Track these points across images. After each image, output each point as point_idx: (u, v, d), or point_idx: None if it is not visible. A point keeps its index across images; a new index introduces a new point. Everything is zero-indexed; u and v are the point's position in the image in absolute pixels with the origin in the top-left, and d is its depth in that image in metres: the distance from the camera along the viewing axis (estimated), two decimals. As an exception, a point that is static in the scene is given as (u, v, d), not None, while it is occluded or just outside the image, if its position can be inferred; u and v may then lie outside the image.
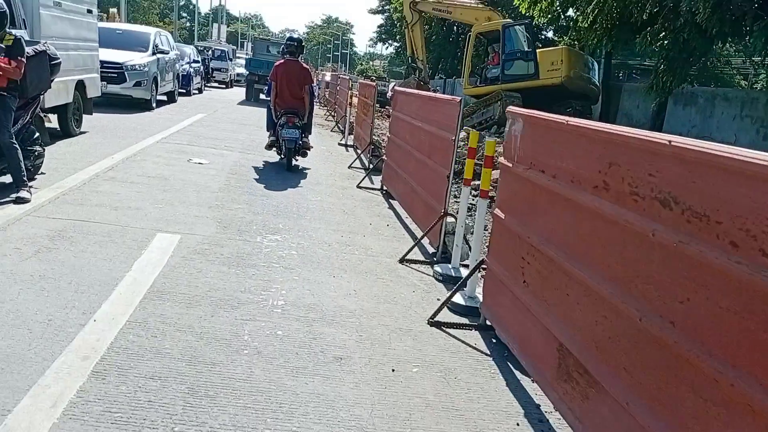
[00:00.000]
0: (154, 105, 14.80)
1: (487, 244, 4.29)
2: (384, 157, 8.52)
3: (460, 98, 4.97)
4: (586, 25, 13.57)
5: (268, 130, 9.46)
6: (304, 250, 5.00)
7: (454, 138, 4.93)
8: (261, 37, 41.94)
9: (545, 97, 17.56)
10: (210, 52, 28.49)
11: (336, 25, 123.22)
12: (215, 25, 66.48)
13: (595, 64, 18.36)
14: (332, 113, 19.77)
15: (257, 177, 7.96)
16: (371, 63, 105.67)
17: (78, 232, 4.67)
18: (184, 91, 20.14)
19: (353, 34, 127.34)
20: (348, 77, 17.99)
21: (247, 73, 23.05)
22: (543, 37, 28.02)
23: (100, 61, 13.50)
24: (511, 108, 3.55)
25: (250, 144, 10.85)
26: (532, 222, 3.13)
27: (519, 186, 3.35)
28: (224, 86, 30.64)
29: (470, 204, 5.31)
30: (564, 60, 16.92)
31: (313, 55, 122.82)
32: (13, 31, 5.78)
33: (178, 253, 4.45)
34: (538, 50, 17.62)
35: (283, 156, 9.07)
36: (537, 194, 3.12)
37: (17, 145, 5.62)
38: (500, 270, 3.48)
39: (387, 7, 52.59)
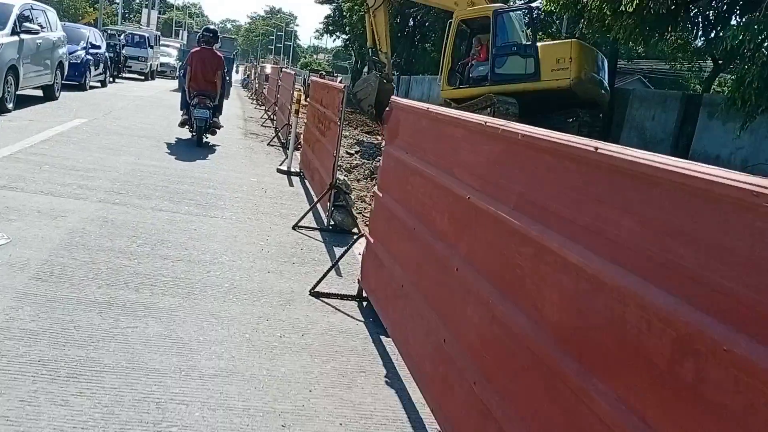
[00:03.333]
0: (10, 105, 10.16)
1: None
2: (366, 233, 4.40)
3: None
4: (631, 9, 9.73)
5: (181, 110, 10.27)
6: None
7: None
8: (195, 30, 39.35)
9: (546, 104, 13.80)
10: (122, 36, 23.46)
11: (279, 17, 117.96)
12: (144, 11, 60.38)
13: (605, 62, 14.67)
14: (271, 116, 15.44)
15: (105, 277, 3.69)
16: (315, 57, 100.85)
17: None
18: (77, 83, 15.40)
19: (297, 25, 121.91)
20: (293, 71, 13.76)
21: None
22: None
23: None
24: None
25: (127, 179, 6.50)
26: None
27: None
28: (143, 78, 25.69)
29: None
30: (574, 57, 13.12)
31: (254, 47, 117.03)
32: None
33: None
34: (539, 44, 13.78)
35: (194, 134, 9.84)
36: None
37: None
38: None
39: (336, -5, 48.12)
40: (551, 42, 14.33)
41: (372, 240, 3.99)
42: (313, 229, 5.86)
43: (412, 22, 40.08)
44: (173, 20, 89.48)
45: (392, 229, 3.64)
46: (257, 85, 24.46)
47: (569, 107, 13.96)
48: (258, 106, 20.59)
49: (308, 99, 10.44)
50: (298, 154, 9.37)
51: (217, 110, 10.16)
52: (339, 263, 4.65)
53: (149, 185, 6.41)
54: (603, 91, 14.25)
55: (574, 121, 13.92)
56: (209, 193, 6.57)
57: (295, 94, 9.96)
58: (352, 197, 6.35)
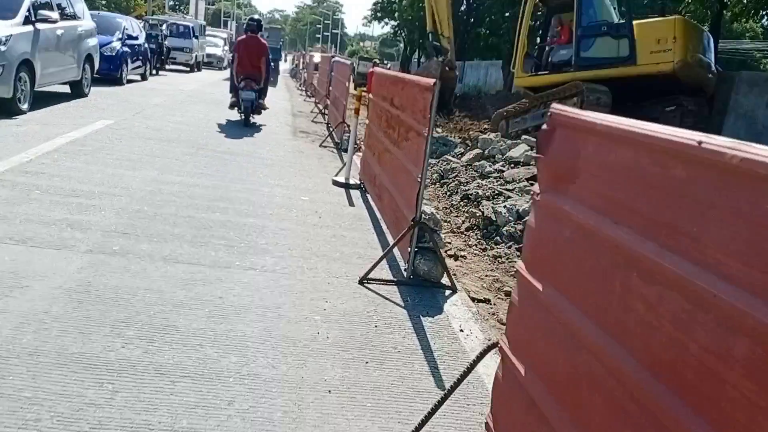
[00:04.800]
0: (24, 106, 8.78)
1: None
2: (502, 341, 2.70)
3: None
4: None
5: (230, 92, 11.36)
6: None
7: None
8: (242, 21, 38.77)
9: (640, 91, 11.70)
10: (164, 26, 22.11)
11: (326, 4, 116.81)
12: (192, 1, 59.55)
13: (711, 41, 12.42)
14: (323, 110, 13.81)
15: None
16: (362, 44, 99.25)
17: None
18: (112, 78, 14.06)
19: (343, 13, 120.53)
20: (349, 62, 12.12)
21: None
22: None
23: None
24: None
25: (139, 207, 4.90)
26: None
27: None
28: (188, 69, 24.43)
29: None
30: (678, 36, 10.95)
31: (301, 36, 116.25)
32: None
33: None
34: (636, 21, 11.65)
35: (242, 115, 10.75)
36: None
37: None
38: None
39: (386, -21, 46.13)
40: (649, 20, 12.14)
41: (515, 360, 2.25)
42: (386, 282, 4.15)
43: (465, 5, 37.82)
44: (221, 11, 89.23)
45: (571, 359, 1.89)
46: (306, 75, 22.92)
47: (668, 94, 11.82)
48: (307, 98, 19.03)
49: (364, 90, 8.74)
50: (356, 159, 7.71)
51: (263, 93, 10.98)
52: (433, 342, 2.94)
53: (167, 217, 4.81)
54: (710, 75, 12.04)
55: (676, 110, 11.79)
56: (247, 225, 4.93)
57: (352, 88, 8.28)
58: (442, 234, 4.59)
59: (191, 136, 8.69)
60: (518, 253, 5.56)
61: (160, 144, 7.78)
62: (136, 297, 3.33)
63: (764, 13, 10.84)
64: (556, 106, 2.31)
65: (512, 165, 8.57)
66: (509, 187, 7.52)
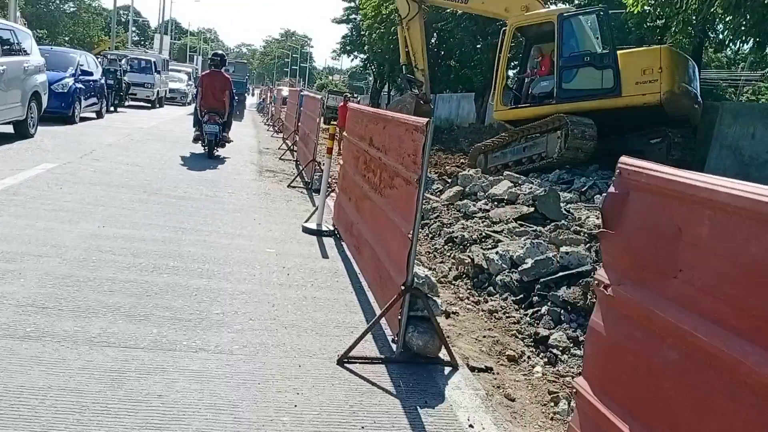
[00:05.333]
0: (-45, 148, 7.86)
1: None
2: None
3: None
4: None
5: (194, 126, 11.31)
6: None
7: None
8: (209, 56, 37.86)
9: (624, 123, 11.27)
10: (123, 61, 21.19)
11: (294, 38, 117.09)
12: (157, 36, 58.66)
13: (696, 71, 12.09)
14: (291, 147, 13.08)
15: None
16: (330, 78, 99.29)
17: None
18: (64, 116, 13.12)
19: (311, 47, 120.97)
20: (320, 96, 11.60)
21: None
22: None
23: None
24: None
25: (69, 272, 4.02)
26: None
27: None
28: (149, 105, 23.53)
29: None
30: (664, 66, 10.60)
31: (269, 70, 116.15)
32: None
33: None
34: (620, 51, 11.25)
35: (205, 148, 10.81)
36: None
37: None
38: None
39: (353, 15, 46.01)
40: (634, 49, 11.78)
41: None
42: (371, 361, 3.37)
43: (435, 37, 37.76)
44: (187, 46, 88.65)
45: None
46: (273, 109, 22.25)
47: (653, 125, 11.42)
48: (275, 134, 18.31)
49: (332, 123, 8.02)
50: (329, 201, 6.97)
51: (227, 126, 11.18)
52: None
53: (102, 282, 3.97)
54: (696, 106, 11.68)
55: (661, 142, 11.38)
56: (200, 288, 4.11)
57: (322, 123, 7.57)
58: (438, 300, 3.82)
59: (144, 179, 7.85)
60: (516, 306, 4.85)
61: (106, 190, 6.92)
62: (44, 403, 2.51)
63: (757, 41, 10.53)
64: (627, 161, 1.61)
65: (496, 203, 7.93)
66: (497, 228, 6.84)
